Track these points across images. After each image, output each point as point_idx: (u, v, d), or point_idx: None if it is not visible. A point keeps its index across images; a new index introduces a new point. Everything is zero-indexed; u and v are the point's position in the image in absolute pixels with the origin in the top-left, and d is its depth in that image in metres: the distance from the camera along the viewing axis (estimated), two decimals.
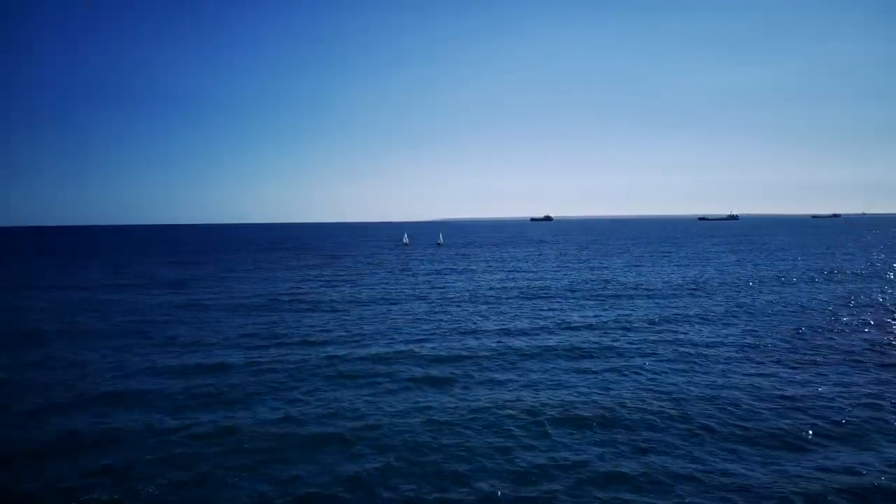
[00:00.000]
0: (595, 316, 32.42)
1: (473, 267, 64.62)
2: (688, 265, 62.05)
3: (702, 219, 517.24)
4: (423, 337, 27.66)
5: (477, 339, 27.11)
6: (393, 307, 36.23)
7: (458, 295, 41.29)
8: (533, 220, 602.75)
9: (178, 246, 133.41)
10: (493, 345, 25.73)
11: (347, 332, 28.86)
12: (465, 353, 24.28)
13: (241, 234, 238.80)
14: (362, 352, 24.70)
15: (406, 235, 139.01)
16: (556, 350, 24.76)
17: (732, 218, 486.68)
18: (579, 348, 25.03)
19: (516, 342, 26.24)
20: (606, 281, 48.26)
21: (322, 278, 53.48)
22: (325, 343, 26.44)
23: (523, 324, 30.54)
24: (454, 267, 64.88)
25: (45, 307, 38.02)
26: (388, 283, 48.59)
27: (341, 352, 24.68)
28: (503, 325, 30.29)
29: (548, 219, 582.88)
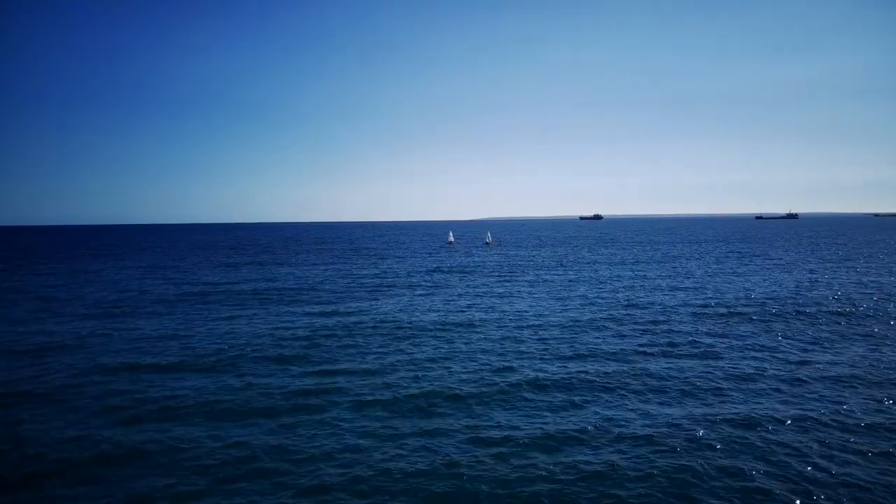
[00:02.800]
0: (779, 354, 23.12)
1: (547, 275, 55.13)
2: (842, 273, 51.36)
3: (759, 217, 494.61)
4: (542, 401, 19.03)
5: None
6: (458, 332, 27.81)
7: (541, 311, 32.53)
8: (582, 218, 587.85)
9: (206, 246, 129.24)
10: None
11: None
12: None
13: (284, 234, 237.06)
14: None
15: (451, 234, 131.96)
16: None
17: (791, 217, 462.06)
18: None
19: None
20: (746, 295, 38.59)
21: (371, 285, 45.66)
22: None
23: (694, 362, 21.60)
24: (521, 274, 56.05)
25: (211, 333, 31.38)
26: (448, 295, 40.27)
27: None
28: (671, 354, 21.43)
29: (598, 217, 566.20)
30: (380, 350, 23.45)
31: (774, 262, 61.61)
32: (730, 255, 73.54)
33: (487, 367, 20.93)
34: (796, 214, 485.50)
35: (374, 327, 27.90)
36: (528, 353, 22.97)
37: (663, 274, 51.59)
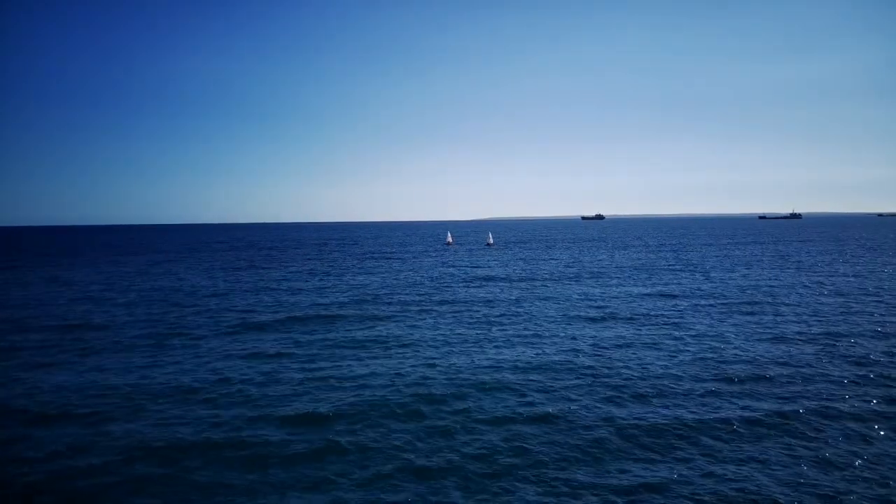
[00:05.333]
0: None
1: (574, 288, 46.06)
2: None
3: (762, 217, 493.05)
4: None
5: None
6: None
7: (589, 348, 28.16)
8: (584, 218, 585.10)
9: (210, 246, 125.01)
10: None
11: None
12: None
13: (283, 235, 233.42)
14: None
15: (449, 234, 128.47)
16: None
17: (795, 216, 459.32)
18: None
19: None
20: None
21: (368, 299, 41.10)
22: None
23: None
24: (539, 286, 50.46)
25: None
26: (460, 316, 35.85)
27: None
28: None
29: (599, 217, 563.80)
30: (371, 413, 18.97)
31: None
32: (777, 258, 68.91)
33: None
34: (800, 214, 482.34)
35: (367, 374, 22.21)
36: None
37: (713, 288, 43.19)
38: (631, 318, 31.54)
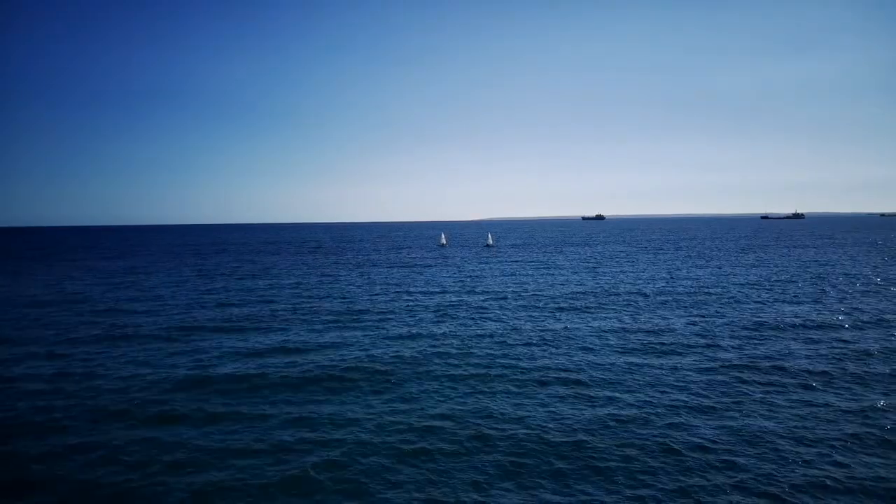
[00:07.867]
0: None
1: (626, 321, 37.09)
2: None
3: (764, 217, 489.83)
4: None
5: None
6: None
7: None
8: (585, 218, 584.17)
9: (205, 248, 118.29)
10: None
11: None
12: None
13: (280, 237, 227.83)
14: None
15: (443, 236, 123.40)
16: None
17: (798, 216, 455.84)
18: None
19: None
20: None
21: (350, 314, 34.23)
22: None
23: None
24: (561, 311, 42.65)
25: None
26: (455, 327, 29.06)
27: None
28: None
29: (600, 217, 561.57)
30: None
31: None
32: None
33: None
34: (802, 214, 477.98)
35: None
36: None
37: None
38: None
